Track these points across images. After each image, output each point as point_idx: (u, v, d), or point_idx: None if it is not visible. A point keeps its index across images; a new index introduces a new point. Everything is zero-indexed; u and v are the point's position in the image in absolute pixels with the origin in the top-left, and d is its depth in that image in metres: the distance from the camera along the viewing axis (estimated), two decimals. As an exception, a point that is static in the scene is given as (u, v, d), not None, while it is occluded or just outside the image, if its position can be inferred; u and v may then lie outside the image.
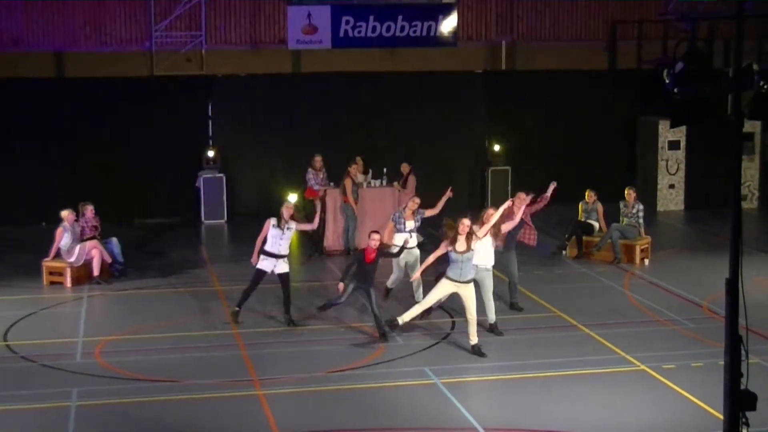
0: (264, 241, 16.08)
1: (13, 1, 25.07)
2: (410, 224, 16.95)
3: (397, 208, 18.09)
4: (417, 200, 17.22)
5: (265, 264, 16.09)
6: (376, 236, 15.45)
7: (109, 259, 19.15)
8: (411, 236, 16.76)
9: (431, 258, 15.03)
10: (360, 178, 21.55)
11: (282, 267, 16.10)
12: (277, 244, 16.00)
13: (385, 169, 22.18)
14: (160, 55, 25.83)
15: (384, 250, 15.69)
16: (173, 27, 25.88)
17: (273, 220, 16.03)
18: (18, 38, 25.20)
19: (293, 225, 16.14)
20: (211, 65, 26.13)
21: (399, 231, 16.84)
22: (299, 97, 26.02)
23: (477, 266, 14.92)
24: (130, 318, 16.93)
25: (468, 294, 14.58)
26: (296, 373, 13.97)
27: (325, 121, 26.01)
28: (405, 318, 15.01)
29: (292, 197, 18.16)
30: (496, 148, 26.62)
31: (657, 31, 27.55)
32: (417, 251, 16.91)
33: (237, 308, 16.27)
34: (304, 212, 19.28)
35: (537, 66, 27.55)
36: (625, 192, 20.64)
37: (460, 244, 14.46)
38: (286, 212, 16.08)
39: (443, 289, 14.77)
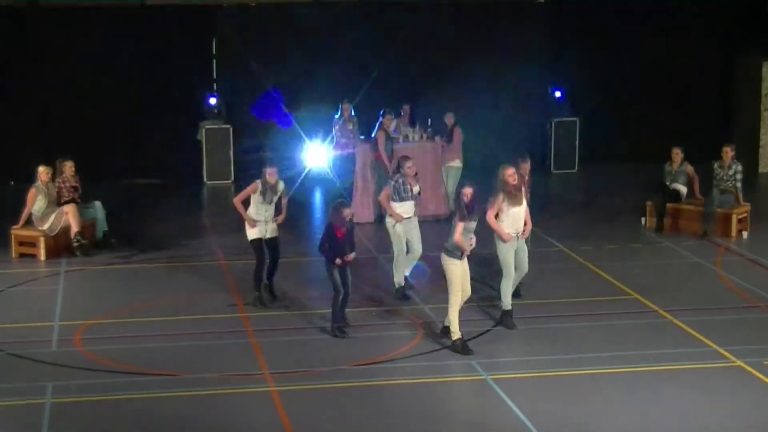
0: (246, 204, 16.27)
1: None
2: (416, 188, 16.79)
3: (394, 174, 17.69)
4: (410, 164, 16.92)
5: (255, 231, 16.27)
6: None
7: (76, 228, 19.03)
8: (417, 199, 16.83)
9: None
10: (407, 131, 21.67)
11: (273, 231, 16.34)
12: (263, 212, 16.21)
13: (429, 120, 22.13)
14: (154, -21, 25.86)
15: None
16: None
17: (260, 186, 16.12)
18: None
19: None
20: (215, -7, 26.16)
21: (403, 199, 16.67)
22: (321, 31, 25.94)
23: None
24: (116, 298, 17.02)
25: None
26: (315, 366, 13.99)
27: (353, 61, 25.94)
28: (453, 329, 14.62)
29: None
30: (559, 94, 26.53)
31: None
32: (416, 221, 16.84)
33: (257, 292, 16.38)
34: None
35: (612, -7, 27.36)
36: (722, 150, 20.42)
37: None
38: (270, 178, 16.19)
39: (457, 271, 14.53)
